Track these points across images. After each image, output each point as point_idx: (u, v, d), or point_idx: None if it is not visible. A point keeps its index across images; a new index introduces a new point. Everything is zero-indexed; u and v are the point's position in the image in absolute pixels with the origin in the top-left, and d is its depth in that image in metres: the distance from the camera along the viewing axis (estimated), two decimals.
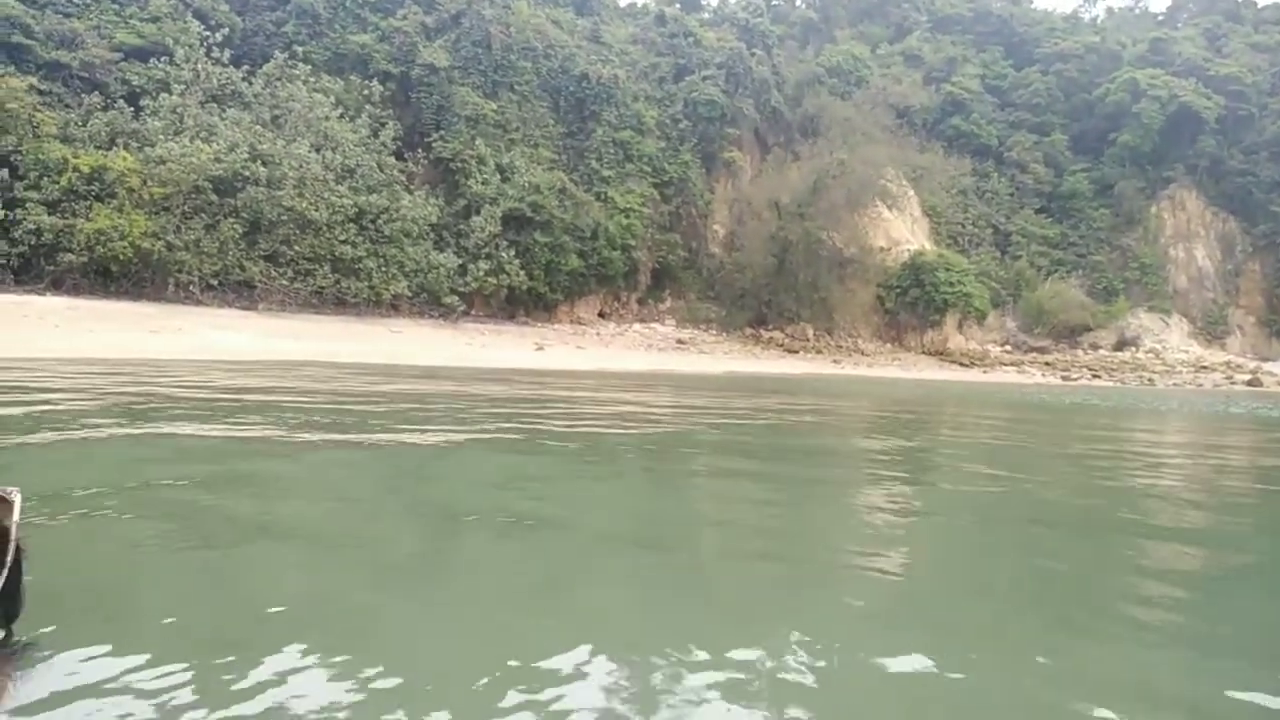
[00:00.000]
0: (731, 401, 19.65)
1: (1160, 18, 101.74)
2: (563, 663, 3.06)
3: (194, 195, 37.36)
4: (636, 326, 52.41)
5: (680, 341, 49.93)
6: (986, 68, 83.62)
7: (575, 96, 54.13)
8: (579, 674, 2.98)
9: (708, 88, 57.45)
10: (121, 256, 34.83)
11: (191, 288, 37.21)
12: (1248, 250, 75.08)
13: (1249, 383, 56.14)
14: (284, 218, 39.62)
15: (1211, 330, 72.30)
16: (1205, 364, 62.76)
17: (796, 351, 52.08)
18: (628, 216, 51.75)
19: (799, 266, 54.78)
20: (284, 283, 39.82)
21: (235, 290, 38.66)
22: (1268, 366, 63.19)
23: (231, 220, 38.18)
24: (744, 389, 25.36)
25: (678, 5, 71.55)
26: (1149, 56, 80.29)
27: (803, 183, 55.00)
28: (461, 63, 50.49)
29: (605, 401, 17.22)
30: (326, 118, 43.35)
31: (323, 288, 40.86)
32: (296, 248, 40.24)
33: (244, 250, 38.80)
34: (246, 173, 38.40)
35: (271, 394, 13.92)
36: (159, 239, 35.80)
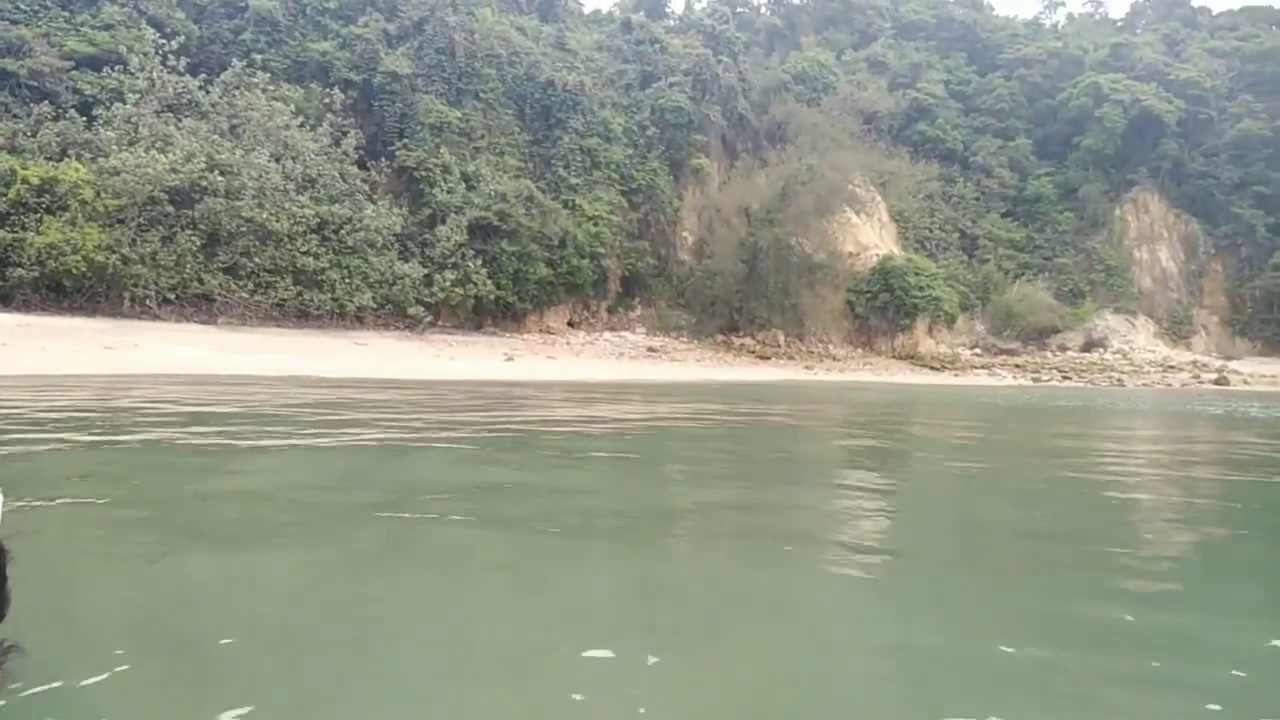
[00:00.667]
0: (710, 407, 19.16)
1: (1119, 23, 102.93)
2: (553, 646, 3.22)
3: (149, 207, 36.24)
4: (607, 335, 51.81)
5: (651, 350, 49.38)
6: (950, 73, 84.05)
7: (541, 104, 53.53)
8: (567, 658, 3.11)
9: (674, 94, 57.09)
10: (74, 271, 33.70)
11: (148, 302, 36.12)
12: (1210, 251, 75.83)
13: (1216, 381, 56.49)
14: (243, 229, 38.61)
15: (1177, 330, 72.87)
16: (1172, 364, 63.09)
17: (768, 358, 51.67)
18: (596, 224, 51.16)
19: (769, 272, 54.45)
20: (244, 295, 38.78)
21: (194, 304, 37.60)
22: (1233, 365, 63.70)
23: (189, 232, 37.12)
24: (723, 396, 24.86)
25: (643, 12, 71.02)
26: (1110, 61, 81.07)
27: (771, 189, 54.67)
28: (425, 70, 49.73)
29: (583, 412, 16.61)
30: (286, 126, 42.38)
31: (284, 300, 39.87)
32: (257, 259, 39.23)
33: (202, 263, 37.75)
34: (204, 183, 37.32)
35: (230, 406, 13.25)
36: (113, 252, 34.66)
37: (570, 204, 51.05)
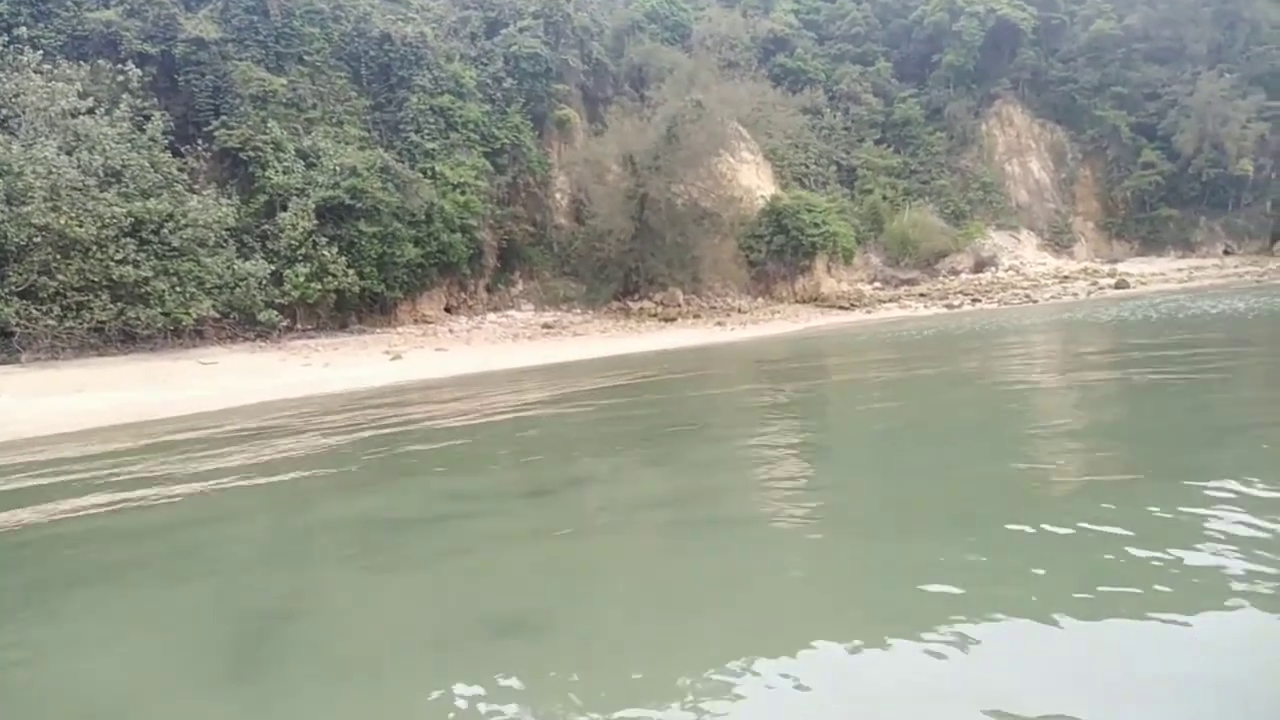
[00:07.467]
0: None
1: None
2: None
3: None
4: (491, 317, 45.88)
5: (546, 326, 43.84)
6: (799, 3, 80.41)
7: (378, 62, 46.61)
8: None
9: (527, 40, 50.98)
10: None
11: None
12: (1078, 157, 75.42)
13: (1116, 286, 55.51)
14: (37, 240, 30.69)
15: (1058, 240, 72.11)
16: (1065, 274, 62.09)
17: (673, 319, 46.87)
18: (463, 193, 44.79)
19: (664, 226, 49.25)
20: (51, 323, 30.84)
21: None
22: (1121, 268, 63.25)
23: None
24: (688, 366, 19.80)
25: None
26: None
27: (653, 133, 49.17)
28: (235, 34, 42.15)
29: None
30: (74, 113, 34.31)
31: (103, 322, 32.13)
32: (61, 276, 31.31)
33: None
34: None
35: None
36: None
37: (430, 172, 44.49)
